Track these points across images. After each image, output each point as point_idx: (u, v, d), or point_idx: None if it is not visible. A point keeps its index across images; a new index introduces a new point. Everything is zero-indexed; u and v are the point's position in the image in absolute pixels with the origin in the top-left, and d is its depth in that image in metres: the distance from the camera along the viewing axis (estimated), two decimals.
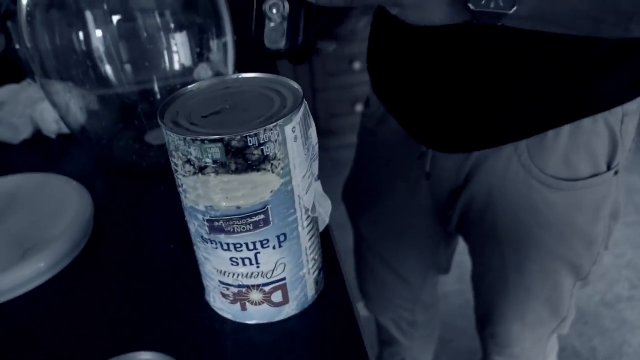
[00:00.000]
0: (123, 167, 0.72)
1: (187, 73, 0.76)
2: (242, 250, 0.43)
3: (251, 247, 0.43)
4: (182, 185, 0.43)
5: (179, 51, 0.75)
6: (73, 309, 0.53)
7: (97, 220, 0.62)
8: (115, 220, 0.63)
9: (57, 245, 0.55)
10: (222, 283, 0.46)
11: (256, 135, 0.39)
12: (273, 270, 0.45)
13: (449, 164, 0.76)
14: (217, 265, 0.45)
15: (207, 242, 0.44)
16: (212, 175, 0.40)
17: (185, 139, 0.39)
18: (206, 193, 0.41)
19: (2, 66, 1.07)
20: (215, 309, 0.49)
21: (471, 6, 0.45)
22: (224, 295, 0.47)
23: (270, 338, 0.47)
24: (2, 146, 0.79)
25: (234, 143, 0.39)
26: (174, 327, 0.49)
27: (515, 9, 0.44)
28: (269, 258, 0.44)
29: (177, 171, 0.42)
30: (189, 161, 0.40)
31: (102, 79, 0.72)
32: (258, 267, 0.44)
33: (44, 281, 0.55)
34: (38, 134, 0.80)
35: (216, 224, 0.42)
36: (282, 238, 0.44)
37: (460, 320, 1.54)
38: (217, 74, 0.78)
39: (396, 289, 0.99)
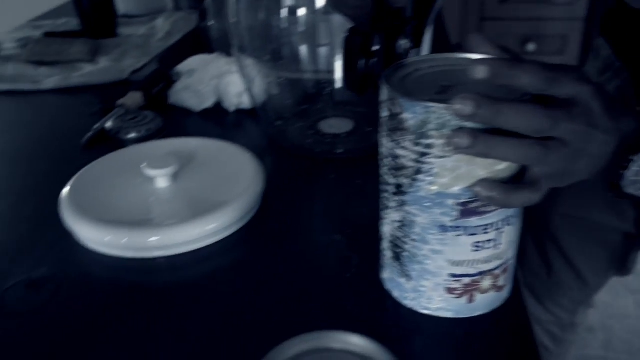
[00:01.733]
0: (295, 150, 0.72)
1: None
2: (487, 232, 0.41)
3: (498, 225, 0.41)
4: (432, 169, 0.39)
5: None
6: (237, 274, 0.52)
7: (264, 195, 0.61)
8: (282, 199, 0.63)
9: (228, 211, 0.55)
10: (452, 276, 0.43)
11: None
12: (507, 250, 0.43)
13: None
14: (452, 256, 0.42)
15: (448, 231, 0.41)
16: None
17: None
18: (470, 171, 0.38)
19: (193, 41, 1.13)
20: (426, 311, 0.45)
21: None
22: (450, 291, 0.43)
23: (455, 332, 0.45)
24: (185, 112, 0.82)
25: None
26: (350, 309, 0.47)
27: None
28: (507, 237, 0.42)
29: (427, 154, 0.38)
30: None
31: (291, 61, 0.73)
32: (497, 248, 0.42)
33: (210, 243, 0.55)
34: (218, 106, 0.82)
35: (470, 205, 0.39)
36: (516, 214, 0.42)
37: None
38: None
39: (569, 288, 0.91)
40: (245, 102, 0.80)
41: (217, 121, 0.80)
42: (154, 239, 0.53)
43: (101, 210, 0.56)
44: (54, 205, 0.58)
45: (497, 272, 0.44)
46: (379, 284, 0.49)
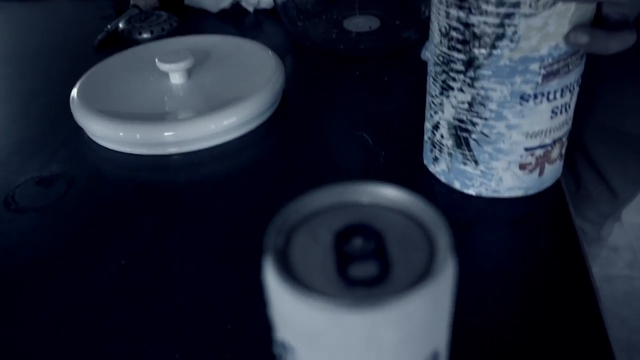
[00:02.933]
0: (318, 47, 0.67)
1: None
2: (565, 95, 0.38)
3: (572, 87, 0.39)
4: (516, 32, 0.35)
5: None
6: (255, 172, 0.49)
7: (285, 93, 0.58)
8: (304, 97, 0.59)
9: (246, 105, 0.52)
10: (527, 150, 0.40)
11: None
12: (572, 115, 0.41)
13: None
14: (529, 128, 0.39)
15: (528, 101, 0.38)
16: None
17: None
18: (558, 27, 0.35)
19: None
20: (495, 195, 0.42)
21: None
22: (523, 167, 0.41)
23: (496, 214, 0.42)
24: (201, 13, 0.77)
25: None
26: None
27: None
28: (574, 98, 0.40)
29: (512, 15, 0.34)
30: None
31: None
32: (568, 112, 0.40)
33: (228, 139, 0.52)
34: (237, 6, 0.77)
35: (555, 66, 0.36)
36: (582, 71, 0.39)
37: (623, 309, 1.38)
38: None
39: (597, 201, 0.88)
40: (266, 1, 0.75)
41: (236, 22, 0.76)
42: (168, 134, 0.50)
43: (113, 107, 0.53)
44: (66, 106, 0.55)
45: (564, 139, 0.42)
46: (407, 180, 0.46)
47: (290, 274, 0.17)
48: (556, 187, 0.44)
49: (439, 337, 0.18)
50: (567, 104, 0.39)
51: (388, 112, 0.55)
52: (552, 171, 0.43)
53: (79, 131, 0.54)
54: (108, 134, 0.51)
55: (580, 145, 0.84)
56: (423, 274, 0.17)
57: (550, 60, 0.36)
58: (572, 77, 0.38)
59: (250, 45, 0.61)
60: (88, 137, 0.54)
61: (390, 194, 0.20)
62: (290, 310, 0.16)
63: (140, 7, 0.75)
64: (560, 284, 0.36)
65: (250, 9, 0.76)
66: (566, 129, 0.41)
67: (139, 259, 0.41)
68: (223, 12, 0.77)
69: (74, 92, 0.55)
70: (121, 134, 0.51)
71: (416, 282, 0.16)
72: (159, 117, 0.52)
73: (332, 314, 0.15)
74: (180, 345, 0.34)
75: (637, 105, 0.73)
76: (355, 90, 0.60)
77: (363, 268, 0.17)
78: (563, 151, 0.43)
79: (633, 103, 0.73)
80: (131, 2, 0.76)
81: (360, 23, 0.69)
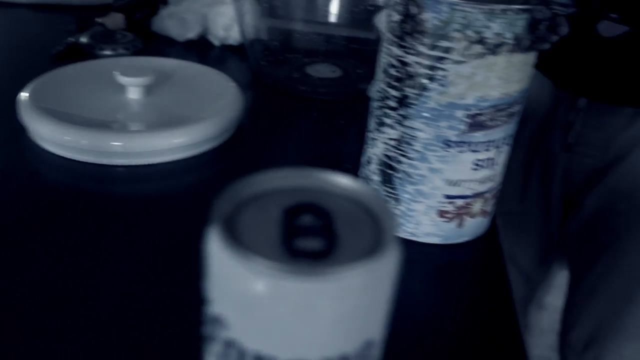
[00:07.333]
0: (280, 86, 0.68)
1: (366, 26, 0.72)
2: (489, 149, 0.39)
3: (498, 143, 0.39)
4: (446, 77, 0.36)
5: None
6: (197, 195, 0.48)
7: (242, 125, 0.58)
8: (258, 130, 0.59)
9: (198, 127, 0.52)
10: (447, 197, 0.40)
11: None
12: (499, 173, 0.41)
13: (598, 135, 0.67)
14: (450, 175, 0.39)
15: (451, 147, 0.38)
16: (504, 54, 0.35)
17: (492, 11, 0.34)
18: (485, 79, 0.36)
19: None
20: (412, 238, 0.42)
21: None
22: (442, 214, 0.41)
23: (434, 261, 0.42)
24: (167, 40, 0.77)
25: (538, 15, 0.35)
26: None
27: None
28: (502, 157, 0.41)
29: (444, 59, 0.36)
30: (480, 40, 0.35)
31: (283, 5, 0.70)
32: (493, 169, 0.40)
33: (175, 158, 0.51)
34: (203, 40, 0.78)
35: (479, 118, 0.37)
36: (513, 133, 0.40)
37: None
38: None
39: (515, 286, 0.87)
40: (233, 37, 0.76)
41: (200, 54, 0.76)
42: (116, 144, 0.49)
43: (63, 111, 0.52)
44: (12, 108, 0.53)
45: (487, 195, 0.42)
46: None
47: (235, 240, 0.16)
48: (479, 243, 0.44)
49: (375, 325, 0.18)
50: (491, 159, 0.40)
51: (340, 155, 0.56)
52: (473, 225, 0.43)
53: (22, 132, 0.52)
54: (52, 136, 0.50)
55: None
56: (367, 253, 0.16)
57: (475, 110, 0.37)
58: (500, 133, 0.39)
59: (214, 73, 0.61)
60: (30, 138, 0.52)
61: (340, 181, 0.20)
62: (231, 276, 0.16)
63: (106, 26, 0.74)
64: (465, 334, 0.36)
65: (217, 42, 0.77)
66: (490, 185, 0.41)
67: (65, 267, 0.39)
68: (189, 42, 0.77)
69: (24, 92, 0.53)
70: (67, 137, 0.49)
71: (360, 259, 0.16)
72: (108, 126, 0.51)
73: (273, 280, 0.15)
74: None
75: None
76: (311, 131, 0.61)
77: (309, 242, 0.17)
78: (488, 208, 0.43)
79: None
80: (96, 20, 0.75)
81: (322, 69, 0.70)
